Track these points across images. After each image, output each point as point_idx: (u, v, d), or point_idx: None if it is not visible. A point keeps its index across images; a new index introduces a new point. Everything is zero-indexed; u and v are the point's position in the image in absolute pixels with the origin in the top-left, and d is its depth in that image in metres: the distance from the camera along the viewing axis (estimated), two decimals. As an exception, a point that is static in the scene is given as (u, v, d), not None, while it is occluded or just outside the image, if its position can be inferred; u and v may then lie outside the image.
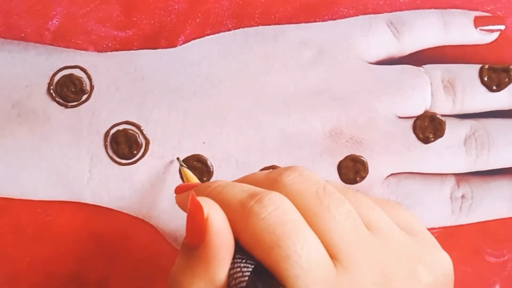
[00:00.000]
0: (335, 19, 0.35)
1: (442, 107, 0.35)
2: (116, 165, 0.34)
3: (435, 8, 0.35)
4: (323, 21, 0.35)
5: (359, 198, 0.23)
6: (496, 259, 0.35)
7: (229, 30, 0.35)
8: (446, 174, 0.35)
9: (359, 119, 0.34)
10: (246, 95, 0.34)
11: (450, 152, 0.35)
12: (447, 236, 0.35)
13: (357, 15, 0.35)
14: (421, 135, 0.34)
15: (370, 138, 0.34)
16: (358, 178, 0.34)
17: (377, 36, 0.35)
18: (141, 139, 0.34)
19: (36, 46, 0.34)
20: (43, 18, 0.34)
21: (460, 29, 0.35)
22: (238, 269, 0.21)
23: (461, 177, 0.35)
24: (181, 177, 0.33)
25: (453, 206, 0.35)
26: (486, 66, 0.35)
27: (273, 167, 0.34)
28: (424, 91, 0.35)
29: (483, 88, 0.35)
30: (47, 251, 0.34)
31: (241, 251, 0.21)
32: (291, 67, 0.35)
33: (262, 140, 0.34)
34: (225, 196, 0.22)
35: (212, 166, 0.34)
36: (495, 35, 0.35)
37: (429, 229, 0.34)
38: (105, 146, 0.34)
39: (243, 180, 0.25)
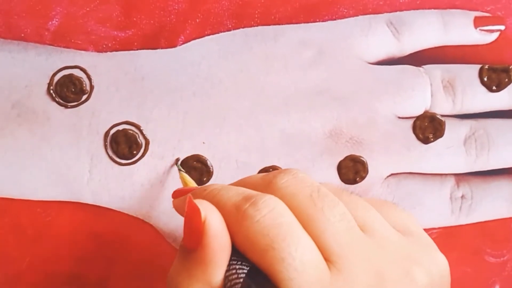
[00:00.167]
0: (335, 19, 0.35)
1: (442, 107, 0.35)
2: (116, 165, 0.34)
3: (435, 8, 0.35)
4: (323, 21, 0.35)
5: (354, 199, 0.23)
6: (496, 259, 0.35)
7: (229, 30, 0.35)
8: (446, 174, 0.35)
9: (359, 119, 0.34)
10: (246, 95, 0.34)
11: (450, 152, 0.35)
12: (447, 236, 0.35)
13: (357, 15, 0.35)
14: (421, 135, 0.34)
15: (370, 138, 0.34)
16: (358, 178, 0.34)
17: (377, 36, 0.35)
18: (141, 139, 0.34)
19: (36, 46, 0.34)
20: (43, 18, 0.34)
21: (460, 29, 0.35)
22: (234, 271, 0.21)
23: (461, 177, 0.35)
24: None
25: (453, 206, 0.35)
26: (486, 66, 0.35)
27: (273, 167, 0.34)
28: (424, 91, 0.35)
29: (483, 88, 0.35)
30: (47, 251, 0.34)
31: (236, 253, 0.21)
32: (291, 67, 0.35)
33: (262, 140, 0.34)
34: (220, 199, 0.22)
35: (212, 166, 0.34)
36: (495, 35, 0.35)
37: (429, 229, 0.35)
38: (105, 146, 0.34)
39: (238, 183, 0.25)
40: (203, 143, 0.34)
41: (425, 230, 0.34)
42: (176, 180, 0.34)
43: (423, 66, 0.35)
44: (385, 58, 0.35)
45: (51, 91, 0.34)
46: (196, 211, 0.21)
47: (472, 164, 0.35)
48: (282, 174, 0.23)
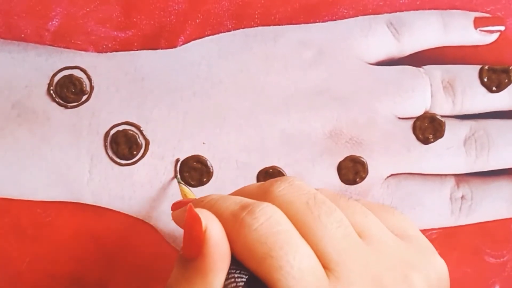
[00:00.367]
0: (335, 20, 0.35)
1: (442, 108, 0.35)
2: (116, 166, 0.34)
3: (435, 9, 0.35)
4: (323, 21, 0.35)
5: (352, 205, 0.23)
6: (496, 260, 0.35)
7: (229, 30, 0.35)
8: (446, 175, 0.35)
9: (359, 120, 0.34)
10: (246, 96, 0.34)
11: (450, 153, 0.35)
12: (446, 237, 0.35)
13: (357, 16, 0.35)
14: (421, 136, 0.34)
15: (370, 139, 0.34)
16: (357, 179, 0.34)
17: (377, 36, 0.35)
18: (141, 140, 0.34)
19: (36, 46, 0.34)
20: (43, 19, 0.34)
21: (460, 30, 0.35)
22: (232, 280, 0.21)
23: (461, 177, 0.35)
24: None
25: (452, 207, 0.35)
26: (486, 67, 0.35)
27: (273, 168, 0.34)
28: (424, 91, 0.35)
29: (483, 89, 0.35)
30: (47, 252, 0.34)
31: (235, 262, 0.21)
32: (291, 67, 0.35)
33: (262, 140, 0.34)
34: (218, 209, 0.22)
35: (212, 166, 0.34)
36: (495, 36, 0.35)
37: (429, 230, 0.35)
38: (105, 146, 0.34)
39: (236, 193, 0.25)
40: (203, 143, 0.34)
41: (425, 230, 0.34)
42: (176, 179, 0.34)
43: (423, 66, 0.35)
44: (385, 58, 0.35)
45: (51, 92, 0.34)
46: (197, 220, 0.21)
47: (472, 164, 0.35)
48: (278, 182, 0.23)
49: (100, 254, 0.34)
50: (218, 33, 0.35)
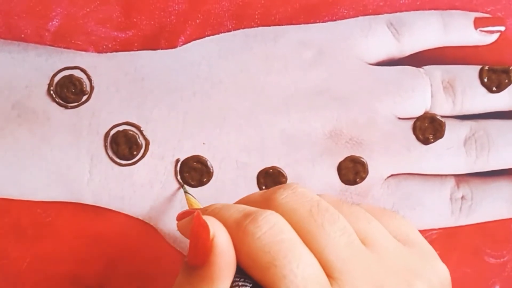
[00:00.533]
0: (335, 20, 0.35)
1: (442, 108, 0.35)
2: (116, 166, 0.34)
3: (435, 9, 0.35)
4: (323, 22, 0.35)
5: (355, 211, 0.23)
6: (496, 260, 0.35)
7: (229, 31, 0.35)
8: (446, 175, 0.35)
9: (359, 120, 0.34)
10: (246, 96, 0.34)
11: (450, 153, 0.35)
12: (447, 237, 0.35)
13: (357, 16, 0.35)
14: (421, 136, 0.34)
15: (370, 139, 0.34)
16: (358, 179, 0.34)
17: (377, 37, 0.35)
18: (141, 140, 0.34)
19: (36, 47, 0.34)
20: (43, 19, 0.34)
21: (460, 30, 0.35)
22: None
23: (461, 178, 0.35)
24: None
25: (453, 207, 0.35)
26: (486, 67, 0.35)
27: (272, 168, 0.34)
28: (424, 92, 0.35)
29: (483, 89, 0.35)
30: (47, 252, 0.34)
31: (238, 270, 0.21)
32: (291, 67, 0.35)
33: (262, 140, 0.34)
34: (221, 217, 0.22)
35: (212, 166, 0.34)
36: (495, 36, 0.35)
37: (429, 230, 0.35)
38: (105, 146, 0.34)
39: (239, 201, 0.25)
40: (203, 143, 0.34)
41: (425, 231, 0.34)
42: (175, 179, 0.34)
43: (423, 67, 0.35)
44: (385, 58, 0.35)
45: (51, 92, 0.34)
46: (204, 227, 0.21)
47: (472, 165, 0.35)
48: (281, 190, 0.23)
49: (100, 254, 0.34)
50: (218, 33, 0.35)
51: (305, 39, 0.35)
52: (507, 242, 0.35)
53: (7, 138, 0.33)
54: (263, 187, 0.34)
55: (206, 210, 0.23)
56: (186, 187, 0.34)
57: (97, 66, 0.34)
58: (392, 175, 0.35)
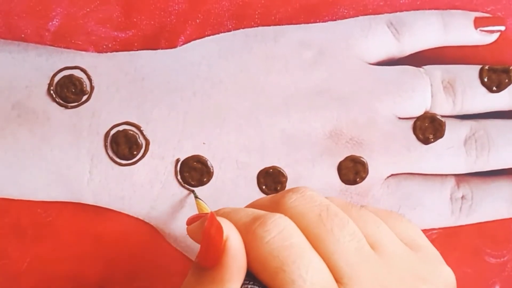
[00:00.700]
0: (335, 20, 0.35)
1: (442, 108, 0.35)
2: (116, 166, 0.34)
3: (435, 9, 0.35)
4: (323, 21, 0.35)
5: (363, 215, 0.23)
6: (496, 260, 0.35)
7: (229, 30, 0.35)
8: (446, 175, 0.35)
9: (359, 120, 0.34)
10: (246, 96, 0.34)
11: (450, 153, 0.35)
12: (447, 237, 0.35)
13: (357, 16, 0.35)
14: (421, 136, 0.34)
15: (370, 139, 0.34)
16: (358, 179, 0.34)
17: (377, 36, 0.35)
18: (141, 140, 0.34)
19: (36, 46, 0.34)
20: (43, 19, 0.34)
21: (460, 30, 0.35)
22: None
23: (461, 177, 0.35)
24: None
25: (453, 207, 0.35)
26: (486, 67, 0.35)
27: (273, 168, 0.34)
28: (424, 91, 0.35)
29: (483, 89, 0.35)
30: (48, 252, 0.34)
31: (247, 273, 0.21)
32: (291, 67, 0.35)
33: (262, 140, 0.34)
34: (230, 221, 0.22)
35: (212, 166, 0.34)
36: (495, 36, 0.35)
37: (429, 230, 0.35)
38: (105, 146, 0.34)
39: (249, 206, 0.25)
40: (203, 143, 0.34)
41: (425, 230, 0.34)
42: (176, 179, 0.34)
43: (423, 66, 0.35)
44: (385, 58, 0.35)
45: (52, 92, 0.34)
46: (218, 229, 0.21)
47: (472, 164, 0.35)
48: (290, 193, 0.23)
49: (101, 254, 0.34)
50: (218, 33, 0.35)
51: (305, 39, 0.35)
52: (507, 242, 0.35)
53: (7, 138, 0.33)
54: (263, 187, 0.34)
55: (216, 214, 0.23)
56: (196, 192, 0.34)
57: (97, 66, 0.34)
58: (392, 175, 0.35)
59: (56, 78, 0.34)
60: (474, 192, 0.35)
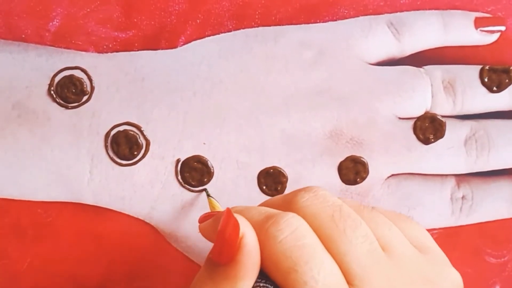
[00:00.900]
0: (335, 20, 0.35)
1: (442, 108, 0.35)
2: (117, 166, 0.34)
3: (435, 9, 0.35)
4: (323, 22, 0.35)
5: (375, 217, 0.23)
6: (496, 260, 0.35)
7: (229, 31, 0.35)
8: (446, 175, 0.35)
9: (359, 120, 0.34)
10: (247, 96, 0.34)
11: (451, 153, 0.35)
12: (447, 237, 0.35)
13: (358, 16, 0.35)
14: (421, 136, 0.34)
15: (370, 139, 0.34)
16: (358, 179, 0.34)
17: (377, 37, 0.35)
18: (141, 140, 0.34)
19: (36, 47, 0.34)
20: (44, 19, 0.34)
21: (461, 30, 0.35)
22: None
23: (461, 177, 0.35)
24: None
25: (453, 207, 0.35)
26: (487, 67, 0.35)
27: (273, 168, 0.34)
28: (424, 92, 0.35)
29: (484, 89, 0.35)
30: (48, 252, 0.34)
31: (259, 271, 0.21)
32: (291, 67, 0.35)
33: (262, 140, 0.34)
34: None
35: (212, 166, 0.34)
36: (495, 36, 0.35)
37: (429, 230, 0.35)
38: (106, 146, 0.34)
39: (261, 204, 0.25)
40: (204, 143, 0.34)
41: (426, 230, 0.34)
42: (176, 179, 0.34)
43: (424, 66, 0.35)
44: (385, 58, 0.35)
45: (52, 92, 0.34)
46: (235, 225, 0.21)
47: (473, 164, 0.35)
48: (302, 193, 0.23)
49: (101, 254, 0.34)
50: (218, 33, 0.35)
51: (306, 39, 0.35)
52: (508, 242, 0.35)
53: (8, 138, 0.33)
54: (264, 187, 0.34)
55: None
56: (208, 190, 0.34)
57: (98, 66, 0.34)
58: (392, 175, 0.35)
59: (57, 78, 0.34)
60: (474, 192, 0.35)
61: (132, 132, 0.34)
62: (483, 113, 0.35)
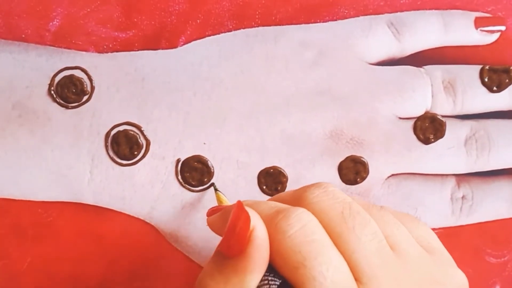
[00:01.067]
0: (335, 20, 0.35)
1: (442, 108, 0.35)
2: (117, 166, 0.34)
3: (435, 9, 0.35)
4: (323, 22, 0.35)
5: (384, 216, 0.23)
6: (496, 260, 0.35)
7: (229, 31, 0.35)
8: (446, 175, 0.35)
9: (359, 120, 0.34)
10: (247, 96, 0.34)
11: (451, 153, 0.35)
12: (447, 237, 0.35)
13: (358, 16, 0.35)
14: (421, 136, 0.34)
15: (370, 139, 0.34)
16: (358, 179, 0.34)
17: (377, 37, 0.35)
18: (141, 140, 0.34)
19: (36, 47, 0.34)
20: (44, 19, 0.34)
21: (461, 30, 0.35)
22: (266, 282, 0.21)
23: (461, 177, 0.35)
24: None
25: (453, 207, 0.35)
26: (487, 67, 0.35)
27: (273, 168, 0.34)
28: (424, 91, 0.35)
29: (484, 89, 0.35)
30: (48, 252, 0.34)
31: (268, 265, 0.21)
32: (291, 67, 0.35)
33: (262, 140, 0.34)
34: None
35: (212, 166, 0.34)
36: (495, 36, 0.35)
37: (430, 230, 0.34)
38: (106, 146, 0.34)
39: (270, 199, 0.25)
40: (204, 143, 0.34)
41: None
42: (176, 179, 0.34)
43: (424, 66, 0.35)
44: (385, 58, 0.35)
45: (52, 92, 0.34)
46: (246, 218, 0.21)
47: (473, 164, 0.35)
48: (312, 188, 0.23)
49: (101, 254, 0.34)
50: (218, 33, 0.35)
51: (306, 39, 0.35)
52: (508, 242, 0.35)
53: (8, 138, 0.33)
54: (264, 187, 0.34)
55: None
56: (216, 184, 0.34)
57: (98, 66, 0.34)
58: (392, 174, 0.35)
59: (57, 78, 0.34)
60: (474, 192, 0.35)
61: (132, 132, 0.34)
62: (483, 113, 0.35)
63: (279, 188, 0.34)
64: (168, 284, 0.34)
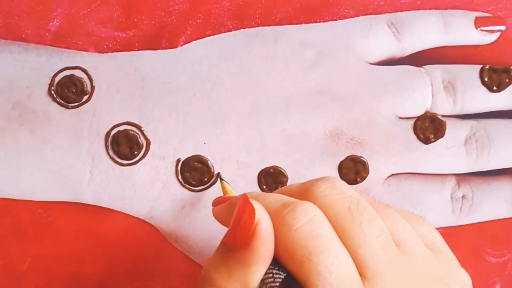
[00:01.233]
0: (335, 20, 0.35)
1: (442, 108, 0.35)
2: (117, 166, 0.34)
3: (435, 8, 0.35)
4: (323, 21, 0.35)
5: (390, 213, 0.23)
6: (497, 259, 0.35)
7: (229, 30, 0.35)
8: (446, 175, 0.35)
9: (359, 120, 0.34)
10: (247, 96, 0.34)
11: (451, 153, 0.35)
12: (447, 237, 0.34)
13: (358, 16, 0.35)
14: (421, 136, 0.34)
15: (370, 139, 0.34)
16: (358, 179, 0.34)
17: (377, 36, 0.35)
18: (142, 140, 0.34)
19: (36, 47, 0.34)
20: (44, 19, 0.34)
21: (461, 29, 0.35)
22: (271, 275, 0.21)
23: (461, 177, 0.35)
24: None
25: (453, 207, 0.35)
26: (487, 67, 0.35)
27: (273, 168, 0.34)
28: (424, 91, 0.35)
29: (484, 89, 0.35)
30: (48, 252, 0.34)
31: (273, 258, 0.21)
32: (291, 67, 0.35)
33: (262, 140, 0.34)
34: None
35: (213, 166, 0.34)
36: (495, 36, 0.35)
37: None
38: (106, 146, 0.34)
39: (277, 192, 0.25)
40: (204, 143, 0.34)
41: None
42: (177, 180, 0.34)
43: (424, 66, 0.35)
44: (385, 58, 0.35)
45: (52, 92, 0.34)
46: (251, 211, 0.21)
47: (473, 164, 0.35)
48: (320, 182, 0.23)
49: (101, 254, 0.34)
50: (218, 33, 0.35)
51: (306, 39, 0.35)
52: (508, 241, 0.35)
53: (8, 138, 0.33)
54: (264, 187, 0.34)
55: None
56: (221, 174, 0.34)
57: (98, 66, 0.34)
58: (392, 174, 0.35)
59: (57, 78, 0.34)
60: (474, 191, 0.35)
61: (132, 132, 0.34)
62: (483, 113, 0.35)
63: (279, 188, 0.34)
64: (168, 283, 0.34)
